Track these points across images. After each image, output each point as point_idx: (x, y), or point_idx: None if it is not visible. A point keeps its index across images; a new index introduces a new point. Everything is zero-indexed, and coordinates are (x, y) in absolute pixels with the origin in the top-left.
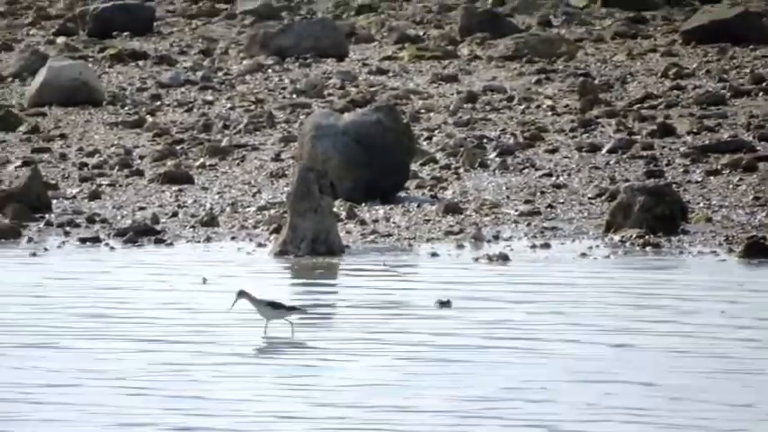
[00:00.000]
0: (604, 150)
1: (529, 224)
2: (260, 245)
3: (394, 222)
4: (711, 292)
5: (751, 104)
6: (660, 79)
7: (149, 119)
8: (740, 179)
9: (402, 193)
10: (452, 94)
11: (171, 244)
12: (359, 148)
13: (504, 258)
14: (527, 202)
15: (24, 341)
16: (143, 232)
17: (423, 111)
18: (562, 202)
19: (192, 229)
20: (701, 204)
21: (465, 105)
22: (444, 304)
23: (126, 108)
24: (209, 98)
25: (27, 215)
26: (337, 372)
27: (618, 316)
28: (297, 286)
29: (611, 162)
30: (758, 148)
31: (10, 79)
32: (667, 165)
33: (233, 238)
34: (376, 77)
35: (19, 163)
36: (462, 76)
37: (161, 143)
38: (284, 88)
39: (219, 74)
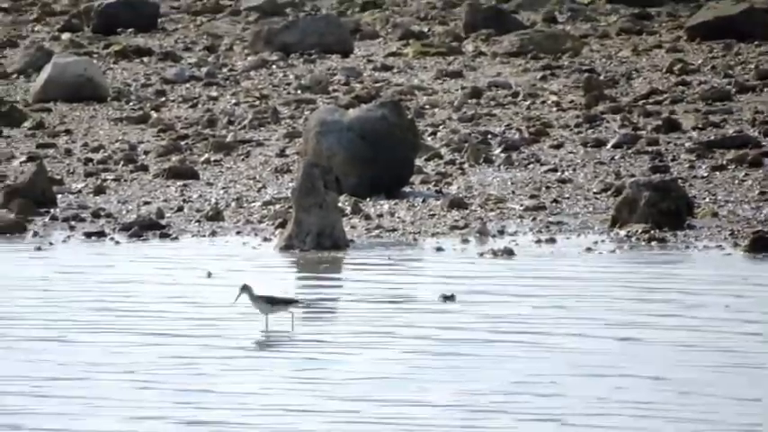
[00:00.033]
0: (609, 146)
1: (534, 219)
2: (265, 239)
3: (399, 217)
4: (717, 286)
5: (756, 100)
6: (665, 75)
7: (154, 114)
8: (746, 174)
9: (407, 189)
10: (457, 90)
11: (176, 238)
12: (364, 143)
13: (509, 253)
14: (532, 197)
15: (32, 335)
16: (148, 227)
17: (427, 106)
18: (567, 198)
19: (197, 224)
20: (707, 199)
21: (470, 101)
22: (448, 298)
23: (131, 104)
24: (214, 94)
25: (32, 210)
26: (345, 365)
27: (624, 310)
28: (302, 280)
29: (617, 157)
30: (763, 143)
31: (15, 75)
32: (673, 160)
33: (238, 233)
34: (381, 73)
35: (24, 158)
36: (467, 73)
37: (166, 138)
38: (289, 84)
39: (224, 70)
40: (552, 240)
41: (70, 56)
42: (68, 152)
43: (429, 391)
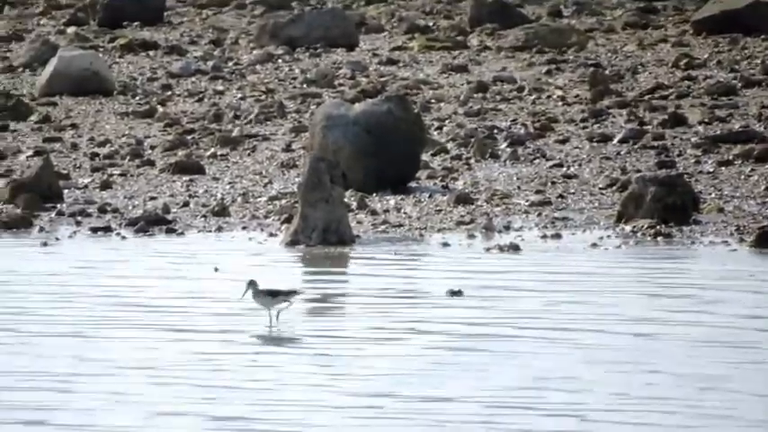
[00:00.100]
0: (615, 140)
1: (540, 214)
2: (271, 234)
3: (405, 212)
4: (727, 281)
5: (762, 95)
6: (671, 69)
7: (160, 109)
8: (752, 169)
9: (413, 183)
10: (462, 85)
11: (182, 234)
12: (370, 138)
13: (515, 248)
14: (538, 192)
15: (49, 330)
16: (154, 222)
17: (433, 101)
18: (573, 193)
19: (203, 219)
20: (713, 194)
21: (475, 95)
22: (456, 293)
23: (137, 98)
24: (220, 88)
25: (38, 205)
26: (364, 361)
27: (636, 305)
28: (309, 276)
29: (623, 152)
30: None
31: (21, 69)
32: (679, 155)
33: (244, 228)
34: (386, 68)
35: (30, 152)
36: (472, 67)
37: (172, 133)
38: (295, 78)
39: (230, 64)
40: (558, 236)
41: (76, 49)
42: (74, 146)
43: (449, 386)
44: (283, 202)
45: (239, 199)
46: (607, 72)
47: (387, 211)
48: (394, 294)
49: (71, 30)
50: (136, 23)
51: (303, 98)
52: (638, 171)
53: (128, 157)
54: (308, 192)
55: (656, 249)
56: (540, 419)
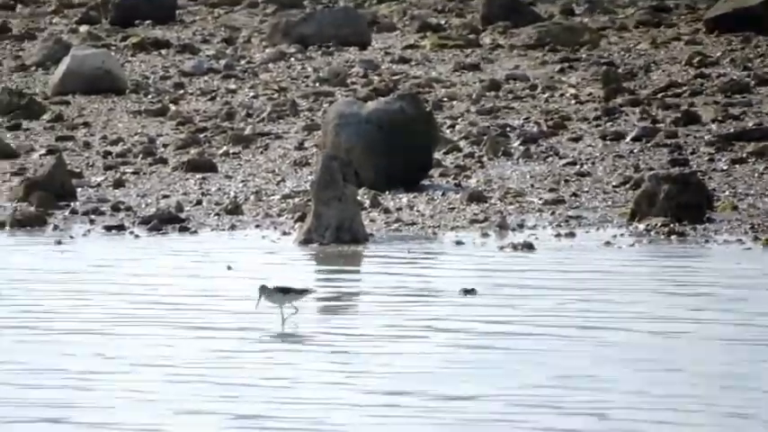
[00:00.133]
0: (628, 139)
1: (553, 213)
2: (284, 233)
3: (418, 211)
4: (742, 279)
5: None
6: (684, 67)
7: (172, 107)
8: (765, 167)
9: (426, 182)
10: (475, 83)
11: (195, 232)
12: (382, 136)
13: (528, 247)
14: (551, 190)
15: (69, 328)
16: (167, 220)
17: (445, 99)
18: (586, 191)
19: (216, 217)
20: (727, 193)
21: (488, 94)
22: (469, 292)
23: (149, 96)
24: (233, 86)
25: (52, 203)
26: (382, 359)
27: (654, 303)
28: (323, 274)
29: (636, 150)
30: None
31: (33, 68)
32: (692, 153)
33: (257, 227)
34: (398, 66)
35: (43, 151)
36: (485, 65)
37: (184, 131)
38: (307, 77)
39: (242, 62)
40: (572, 234)
41: (88, 48)
42: (87, 145)
43: (469, 384)
44: (296, 200)
45: (252, 197)
46: (620, 70)
47: (400, 209)
48: (409, 293)
49: (83, 28)
50: (148, 22)
51: (315, 96)
52: (652, 169)
53: (140, 156)
54: (320, 190)
55: (670, 248)
56: (561, 418)
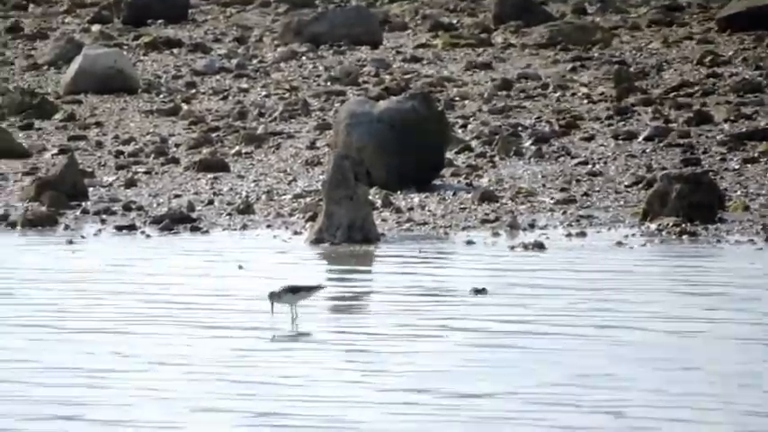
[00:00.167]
0: (640, 138)
1: (564, 212)
2: (296, 233)
3: (429, 210)
4: (755, 279)
5: None
6: (696, 67)
7: (184, 107)
8: None
9: (437, 181)
10: (487, 82)
11: (207, 232)
12: (394, 135)
13: (539, 246)
14: (563, 190)
15: (84, 326)
16: (179, 220)
17: (457, 98)
18: (598, 191)
19: (228, 217)
20: (738, 192)
21: (499, 93)
22: (479, 292)
23: (161, 96)
24: (244, 86)
25: (63, 203)
26: (398, 357)
27: (668, 303)
28: (335, 273)
29: (648, 150)
30: None
31: (45, 67)
32: (704, 153)
33: (269, 226)
34: (410, 65)
35: (55, 151)
36: (496, 64)
37: (196, 131)
38: (319, 76)
39: (254, 61)
40: (583, 234)
41: (100, 47)
42: (99, 145)
43: (486, 383)
44: (308, 199)
45: (264, 197)
46: (632, 69)
47: (411, 208)
48: (421, 292)
49: (96, 28)
50: (160, 21)
51: (327, 96)
52: (664, 169)
53: (152, 155)
54: (332, 189)
55: (682, 248)
56: (578, 416)
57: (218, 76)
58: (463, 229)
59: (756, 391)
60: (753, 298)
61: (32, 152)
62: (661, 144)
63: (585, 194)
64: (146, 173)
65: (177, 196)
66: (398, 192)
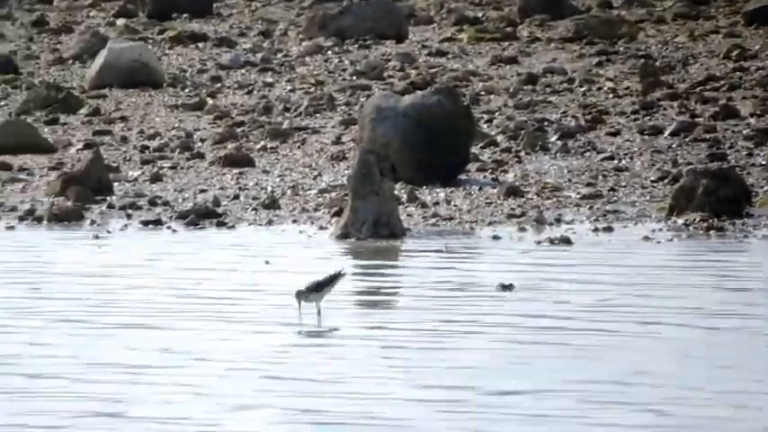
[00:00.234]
0: (666, 133)
1: (591, 207)
2: (321, 228)
3: (455, 205)
4: None
5: None
6: (722, 61)
7: (210, 101)
8: None
9: (463, 176)
10: (512, 77)
11: (232, 227)
12: (419, 130)
13: (566, 241)
14: (589, 185)
15: (120, 322)
16: (204, 215)
17: (483, 93)
18: (624, 186)
19: (253, 212)
20: (765, 188)
21: (525, 87)
22: (507, 287)
23: (186, 90)
24: (269, 80)
25: (89, 197)
26: (435, 353)
27: (699, 298)
28: (361, 269)
29: (674, 145)
30: None
31: (70, 61)
32: (730, 147)
33: (294, 221)
34: (435, 59)
35: (80, 145)
36: (522, 58)
37: (221, 126)
38: (344, 70)
39: (279, 55)
40: (609, 229)
41: (125, 41)
42: (124, 139)
43: (528, 379)
44: (333, 194)
45: (289, 192)
46: (658, 64)
47: (437, 203)
48: (451, 287)
49: (120, 22)
50: (185, 15)
51: (352, 90)
52: (690, 164)
53: (177, 150)
54: (358, 184)
55: (709, 243)
56: (624, 414)
57: (243, 71)
58: (489, 224)
59: None
60: None
61: (58, 147)
62: (687, 139)
63: (612, 189)
64: (171, 168)
65: (203, 191)
66: (424, 187)
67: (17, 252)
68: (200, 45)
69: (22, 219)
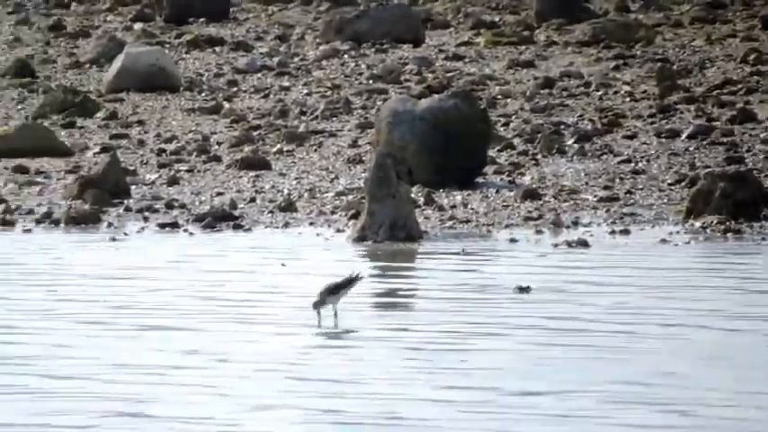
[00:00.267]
0: (684, 136)
1: (608, 210)
2: (338, 230)
3: (472, 208)
4: None
5: None
6: (740, 64)
7: (226, 105)
8: None
9: (479, 179)
10: (529, 80)
11: (249, 229)
12: (436, 133)
13: (584, 244)
14: (606, 188)
15: (141, 323)
16: (221, 218)
17: (499, 96)
18: (641, 189)
19: (270, 215)
20: None
21: (542, 91)
22: (524, 290)
23: (203, 94)
24: (286, 84)
25: (106, 201)
26: (456, 355)
27: (719, 301)
28: (379, 271)
29: (691, 148)
30: None
31: (88, 65)
32: (747, 151)
33: (311, 224)
34: (452, 63)
35: (97, 149)
36: (539, 62)
37: (238, 129)
38: (361, 74)
39: (296, 59)
40: (626, 232)
41: (142, 46)
42: (141, 143)
43: (552, 380)
44: (350, 197)
45: (306, 195)
46: (675, 67)
47: (454, 206)
48: (469, 290)
49: (138, 26)
50: (202, 20)
51: (369, 94)
52: (707, 167)
53: (194, 153)
54: (374, 187)
55: (727, 246)
56: (650, 414)
57: (259, 75)
58: (506, 226)
59: None
60: None
61: (75, 150)
62: (704, 142)
63: (629, 192)
64: (188, 171)
65: (219, 194)
66: (441, 190)
67: (35, 255)
68: (217, 49)
69: (39, 222)
